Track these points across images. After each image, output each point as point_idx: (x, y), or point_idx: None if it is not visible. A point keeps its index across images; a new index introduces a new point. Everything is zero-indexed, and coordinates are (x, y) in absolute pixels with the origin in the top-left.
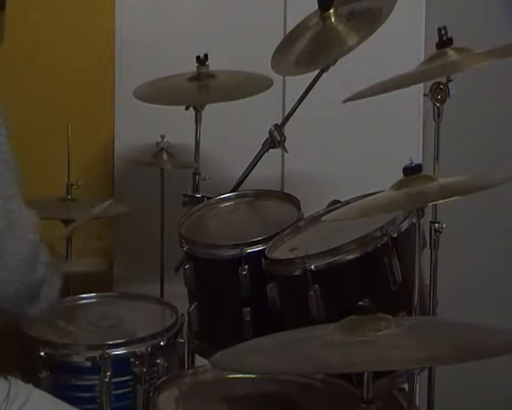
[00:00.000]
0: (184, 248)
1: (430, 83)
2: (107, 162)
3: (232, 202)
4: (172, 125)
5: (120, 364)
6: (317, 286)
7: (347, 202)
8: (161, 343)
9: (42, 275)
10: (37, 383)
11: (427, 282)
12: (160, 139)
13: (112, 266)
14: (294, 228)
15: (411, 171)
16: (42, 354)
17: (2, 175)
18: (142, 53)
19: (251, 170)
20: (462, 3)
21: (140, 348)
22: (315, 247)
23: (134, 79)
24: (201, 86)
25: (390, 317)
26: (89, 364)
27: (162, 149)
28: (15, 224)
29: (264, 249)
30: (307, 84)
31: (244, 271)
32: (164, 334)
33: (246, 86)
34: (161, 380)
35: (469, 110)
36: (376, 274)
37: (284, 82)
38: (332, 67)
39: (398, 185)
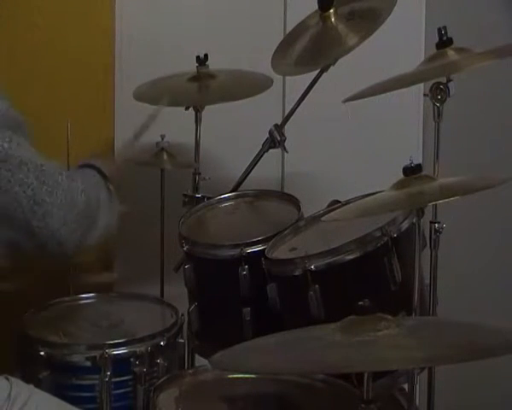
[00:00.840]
0: (184, 248)
1: (430, 83)
2: None
3: (232, 202)
4: (172, 125)
5: (120, 364)
6: (317, 286)
7: (347, 202)
8: (161, 343)
9: (82, 204)
10: (38, 383)
11: (427, 282)
12: (160, 139)
13: (112, 266)
14: (294, 228)
15: (411, 171)
16: (42, 353)
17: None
18: (142, 53)
19: (251, 170)
20: (462, 3)
21: (140, 348)
22: (315, 247)
23: (134, 79)
24: (201, 86)
25: (390, 317)
26: (89, 364)
27: (162, 149)
28: (47, 176)
29: (264, 249)
30: (307, 84)
31: (244, 271)
32: (164, 334)
33: (246, 86)
34: (161, 380)
35: (469, 110)
36: (376, 274)
37: (284, 82)
38: (332, 67)
39: (398, 185)
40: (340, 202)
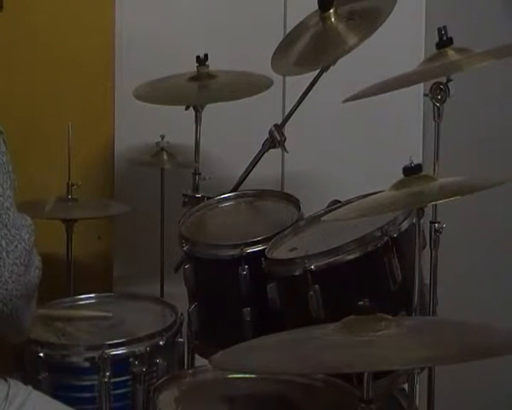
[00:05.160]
0: (184, 248)
1: (430, 83)
2: (107, 162)
3: (232, 202)
4: (172, 125)
5: (120, 364)
6: (317, 286)
7: (347, 202)
8: (160, 343)
9: (35, 279)
10: (37, 384)
11: (427, 282)
12: (159, 139)
13: (112, 266)
14: (294, 228)
15: (411, 171)
16: (41, 354)
17: None
18: (142, 53)
19: (251, 170)
20: (462, 3)
21: (139, 348)
22: (315, 247)
23: (134, 79)
24: (201, 86)
25: (390, 317)
26: (88, 364)
27: (162, 149)
28: (11, 223)
29: (264, 249)
30: (307, 84)
31: (244, 271)
32: (163, 334)
33: (246, 86)
34: (161, 380)
35: (469, 110)
36: (376, 274)
37: (284, 82)
38: (332, 67)
39: (398, 185)
40: (340, 201)
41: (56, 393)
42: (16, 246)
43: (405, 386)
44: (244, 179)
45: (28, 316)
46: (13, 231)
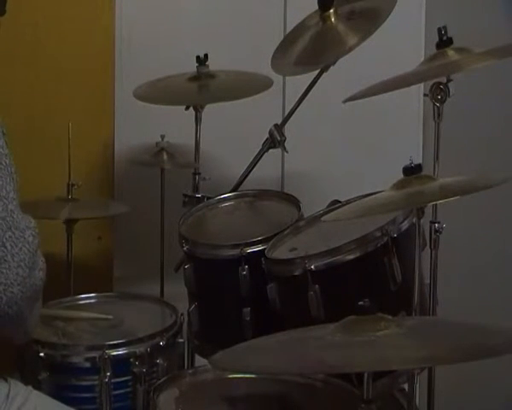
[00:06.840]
0: (184, 248)
1: (430, 83)
2: (107, 162)
3: (232, 202)
4: (172, 125)
5: (120, 364)
6: (317, 286)
7: (347, 202)
8: (161, 343)
9: (40, 281)
10: (37, 384)
11: (427, 282)
12: (160, 139)
13: (112, 266)
14: (294, 228)
15: (411, 171)
16: (42, 354)
17: (2, 177)
18: (142, 53)
19: (251, 170)
20: (462, 3)
21: (140, 349)
22: (315, 247)
23: (134, 79)
24: (201, 86)
25: (390, 317)
26: (88, 364)
27: (162, 149)
28: (16, 225)
29: (264, 249)
30: (307, 84)
31: (244, 271)
32: (163, 334)
33: (246, 86)
34: (161, 380)
35: (469, 110)
36: (376, 274)
37: (284, 82)
38: (332, 67)
39: (398, 185)
40: (340, 201)
41: (57, 393)
42: (21, 248)
43: (405, 386)
44: (244, 179)
45: (33, 317)
46: (17, 234)
